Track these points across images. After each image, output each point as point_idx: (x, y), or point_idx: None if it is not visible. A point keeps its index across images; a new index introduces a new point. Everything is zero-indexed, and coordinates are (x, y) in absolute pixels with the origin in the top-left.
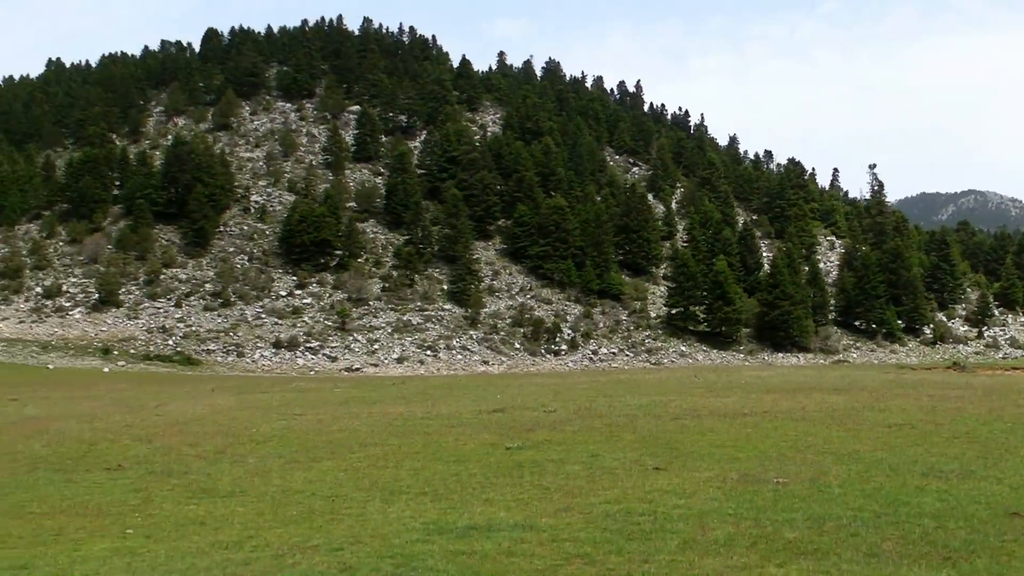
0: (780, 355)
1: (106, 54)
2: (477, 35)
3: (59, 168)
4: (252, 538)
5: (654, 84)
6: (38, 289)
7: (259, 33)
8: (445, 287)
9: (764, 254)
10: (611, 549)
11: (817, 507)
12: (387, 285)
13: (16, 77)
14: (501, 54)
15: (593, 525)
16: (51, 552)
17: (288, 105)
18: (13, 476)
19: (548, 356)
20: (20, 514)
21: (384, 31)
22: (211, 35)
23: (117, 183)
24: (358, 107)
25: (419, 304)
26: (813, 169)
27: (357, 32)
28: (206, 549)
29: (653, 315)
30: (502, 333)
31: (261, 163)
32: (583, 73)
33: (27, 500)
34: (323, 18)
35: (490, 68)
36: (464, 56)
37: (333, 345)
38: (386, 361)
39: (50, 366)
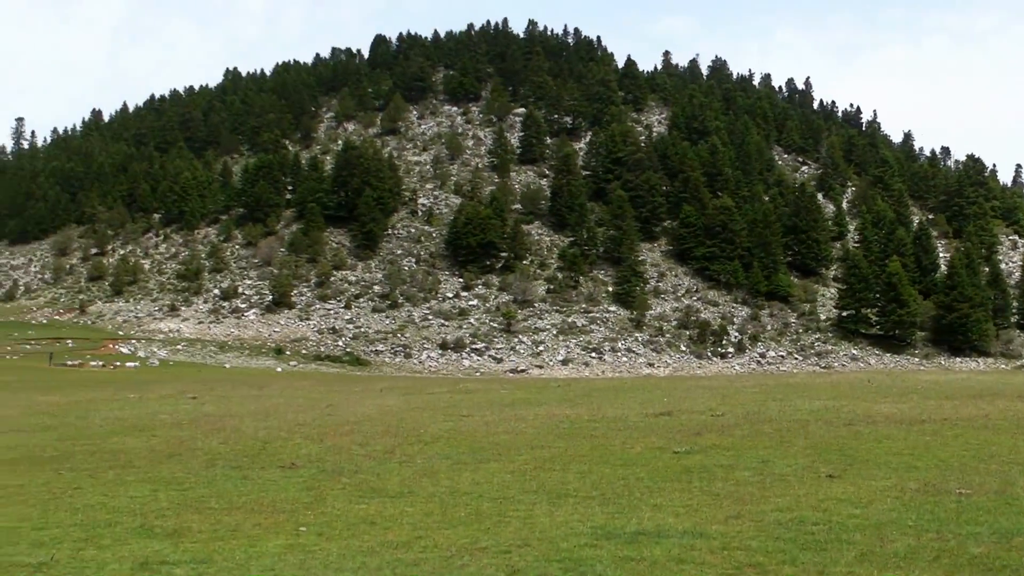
0: (958, 359)
1: (280, 63)
2: (642, 35)
3: (235, 174)
4: (421, 539)
5: (824, 80)
6: (216, 291)
7: (426, 38)
8: (610, 289)
9: (940, 254)
10: (784, 559)
11: (1004, 521)
12: (552, 287)
13: (196, 87)
14: (666, 53)
15: (765, 534)
16: (229, 547)
17: (454, 109)
18: (193, 472)
19: (714, 359)
20: (200, 509)
21: (549, 33)
22: (380, 41)
23: (290, 187)
24: (523, 109)
25: (584, 306)
26: (994, 165)
27: (522, 35)
28: (376, 548)
29: (823, 317)
30: (667, 335)
31: (428, 166)
32: (750, 71)
33: (206, 496)
34: (488, 21)
35: (655, 68)
36: (629, 56)
37: (498, 346)
38: (551, 363)
39: (227, 365)
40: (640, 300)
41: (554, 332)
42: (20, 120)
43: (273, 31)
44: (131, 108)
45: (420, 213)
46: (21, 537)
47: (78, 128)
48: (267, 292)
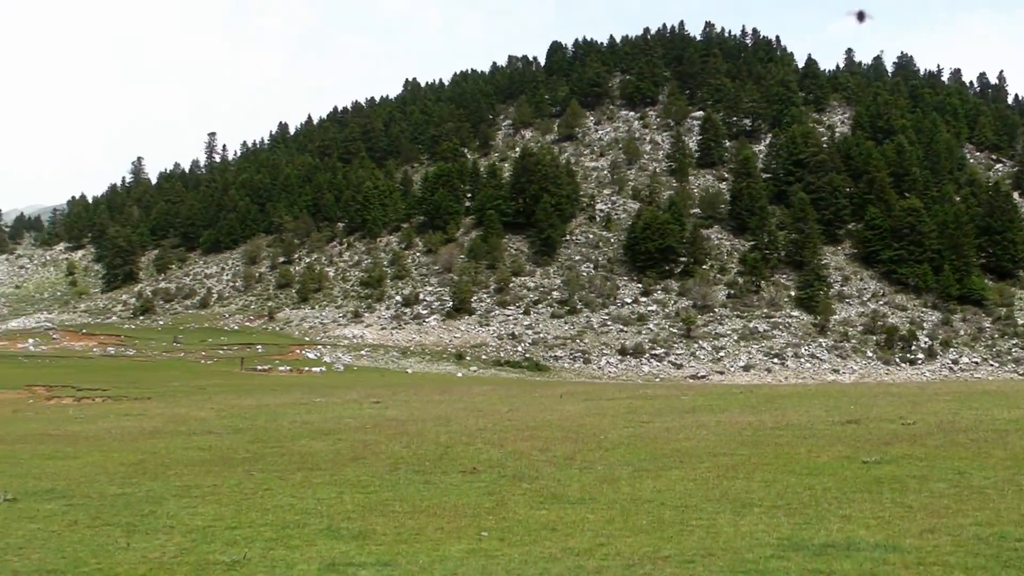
0: None
1: (457, 72)
2: (823, 33)
3: (416, 182)
4: (603, 546)
5: (1020, 74)
6: (398, 298)
7: (602, 44)
8: (792, 293)
9: None
10: None
11: None
12: (732, 292)
13: (377, 98)
14: (849, 51)
15: (963, 549)
16: (412, 550)
17: (631, 113)
18: (377, 475)
19: (903, 365)
20: (384, 512)
21: (726, 35)
22: (556, 48)
23: (469, 195)
24: (701, 112)
25: (765, 311)
26: None
27: (699, 37)
28: (558, 555)
29: (1021, 322)
30: (853, 341)
31: (606, 172)
32: (939, 67)
33: (390, 499)
34: (664, 25)
35: (837, 67)
36: (809, 55)
37: (678, 352)
38: (732, 369)
39: (409, 370)
40: (824, 305)
41: (735, 338)
42: (212, 135)
43: (451, 42)
44: (315, 120)
45: (598, 218)
46: (216, 536)
47: (266, 141)
48: (447, 298)
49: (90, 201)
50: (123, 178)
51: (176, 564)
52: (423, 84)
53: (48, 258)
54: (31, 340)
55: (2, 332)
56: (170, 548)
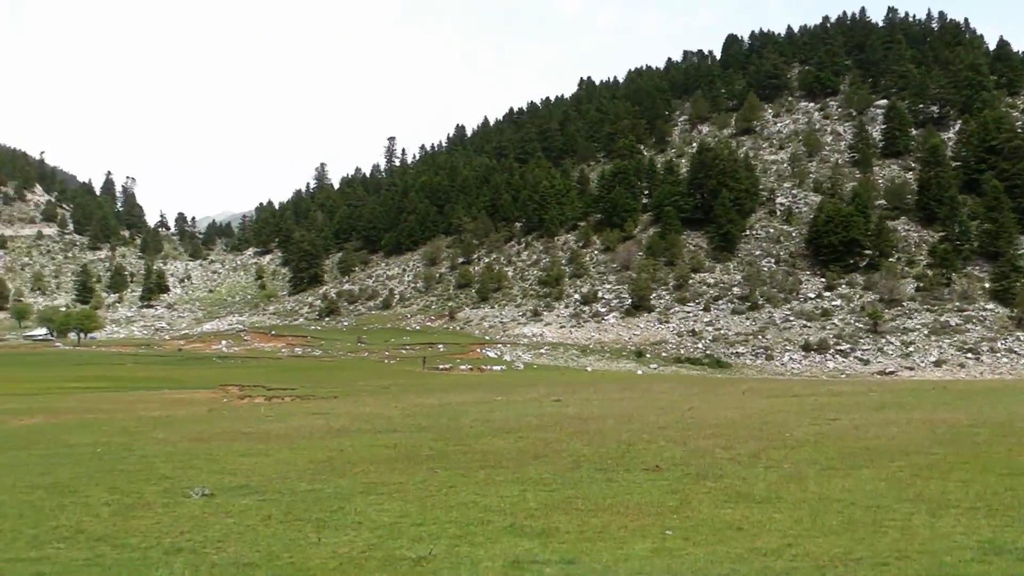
0: None
1: (632, 69)
2: (1017, 12)
3: (592, 181)
4: (791, 546)
5: None
6: (576, 296)
7: (779, 35)
8: (987, 285)
9: None
10: None
11: None
12: (922, 285)
13: (551, 98)
14: None
15: None
16: (596, 548)
17: (811, 104)
18: (559, 473)
19: None
20: (567, 510)
21: (911, 19)
22: (731, 41)
23: (646, 192)
24: (885, 101)
25: (957, 304)
26: None
27: (881, 23)
28: (745, 555)
29: None
30: None
31: (785, 165)
32: None
33: (573, 497)
34: (844, 12)
35: None
36: (1001, 37)
37: (865, 348)
38: (922, 364)
39: (588, 368)
40: (1021, 297)
41: (925, 332)
42: (391, 139)
43: (625, 40)
44: (491, 122)
45: (778, 212)
46: (402, 532)
47: (443, 144)
48: (626, 296)
49: (277, 207)
50: (307, 184)
51: (365, 559)
52: (598, 82)
53: (238, 263)
54: (224, 342)
55: (197, 334)
56: (358, 543)
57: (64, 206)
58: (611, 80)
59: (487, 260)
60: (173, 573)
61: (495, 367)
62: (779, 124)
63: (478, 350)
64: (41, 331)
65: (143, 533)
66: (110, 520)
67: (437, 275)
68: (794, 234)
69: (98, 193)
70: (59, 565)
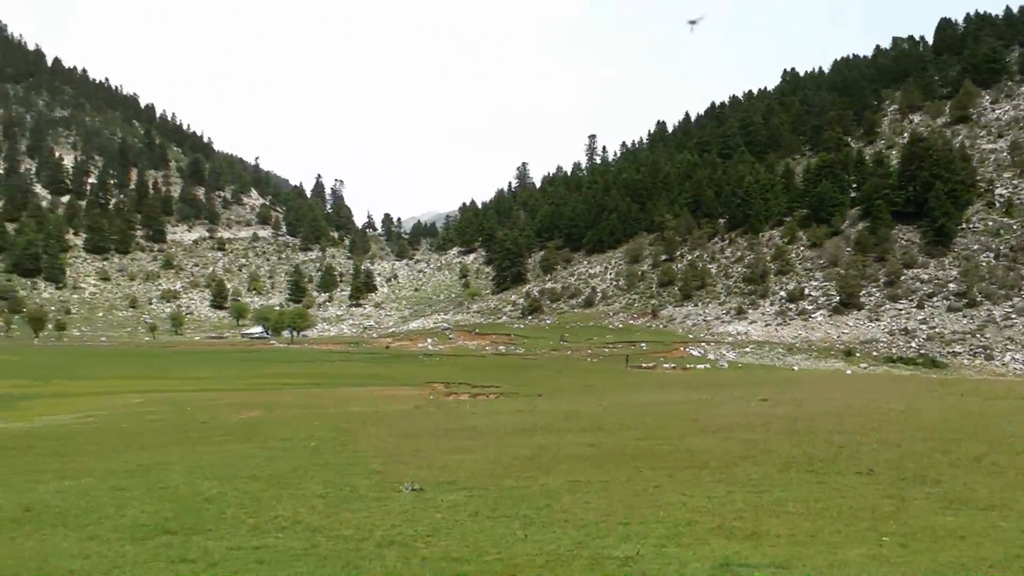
0: None
1: (838, 59)
2: None
3: (797, 175)
4: (1020, 557)
5: None
6: (782, 293)
7: (997, 16)
8: None
9: None
10: None
11: None
12: None
13: (754, 91)
14: None
15: None
16: (808, 553)
17: None
18: (768, 474)
19: None
20: (778, 512)
21: None
22: (945, 25)
23: (854, 185)
24: None
25: None
26: None
27: None
28: (968, 564)
29: None
30: None
31: (1005, 154)
32: None
33: (783, 499)
34: None
35: None
36: None
37: None
38: None
39: (795, 367)
40: None
41: None
42: (592, 137)
43: (833, 29)
44: (693, 118)
45: (998, 204)
46: (608, 531)
47: (644, 141)
48: (834, 293)
49: (480, 207)
50: (509, 183)
51: (572, 557)
52: (802, 74)
53: (443, 262)
54: (429, 340)
55: (404, 332)
56: (565, 541)
57: (277, 209)
58: (816, 71)
59: (690, 257)
60: (385, 565)
61: (699, 365)
62: (998, 111)
63: (681, 348)
64: (258, 329)
65: (356, 525)
66: (325, 512)
67: (639, 273)
68: (1015, 227)
69: (309, 196)
70: (278, 553)
